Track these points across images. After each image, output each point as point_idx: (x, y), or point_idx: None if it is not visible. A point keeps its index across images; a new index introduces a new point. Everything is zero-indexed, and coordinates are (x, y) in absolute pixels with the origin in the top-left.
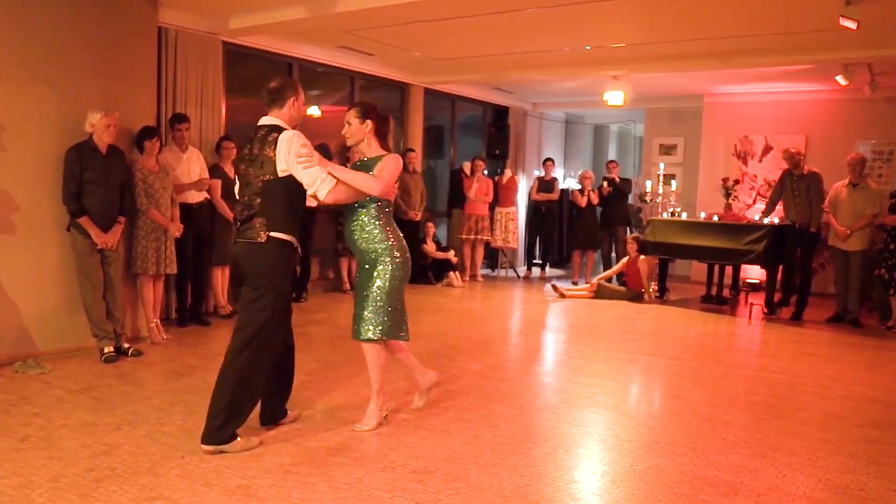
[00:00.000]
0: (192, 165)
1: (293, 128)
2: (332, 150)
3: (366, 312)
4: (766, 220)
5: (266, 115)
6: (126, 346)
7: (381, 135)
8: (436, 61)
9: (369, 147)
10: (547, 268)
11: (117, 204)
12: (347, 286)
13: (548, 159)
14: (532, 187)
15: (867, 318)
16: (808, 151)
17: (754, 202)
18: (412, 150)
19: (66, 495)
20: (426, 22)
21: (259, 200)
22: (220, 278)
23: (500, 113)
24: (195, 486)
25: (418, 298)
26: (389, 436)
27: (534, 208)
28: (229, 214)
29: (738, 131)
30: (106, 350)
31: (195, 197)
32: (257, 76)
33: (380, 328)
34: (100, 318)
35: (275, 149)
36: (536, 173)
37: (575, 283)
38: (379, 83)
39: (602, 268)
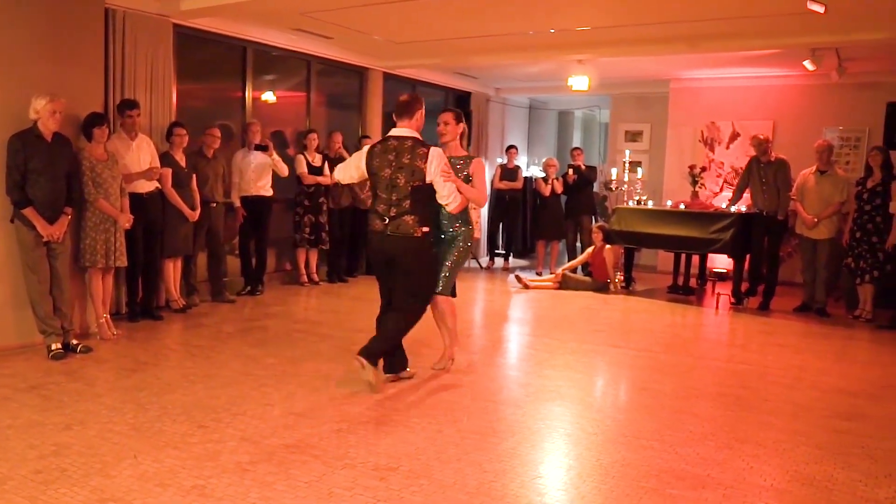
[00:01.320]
0: (141, 153)
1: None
2: (288, 137)
3: (442, 274)
4: (733, 209)
5: (396, 125)
6: (74, 342)
7: (464, 137)
8: (396, 45)
9: (456, 147)
10: (510, 258)
11: (64, 194)
12: (305, 278)
13: (511, 146)
14: (495, 175)
15: (834, 308)
16: (775, 138)
17: (721, 190)
18: (369, 138)
19: (13, 499)
20: (386, 4)
21: (409, 202)
22: (172, 271)
23: (462, 98)
24: (149, 486)
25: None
26: (350, 432)
27: (497, 197)
28: (181, 204)
29: (704, 117)
30: (53, 347)
31: (145, 186)
32: (210, 60)
33: (448, 286)
34: (46, 314)
35: (426, 162)
36: (499, 161)
37: (539, 274)
38: (337, 67)
39: (567, 258)
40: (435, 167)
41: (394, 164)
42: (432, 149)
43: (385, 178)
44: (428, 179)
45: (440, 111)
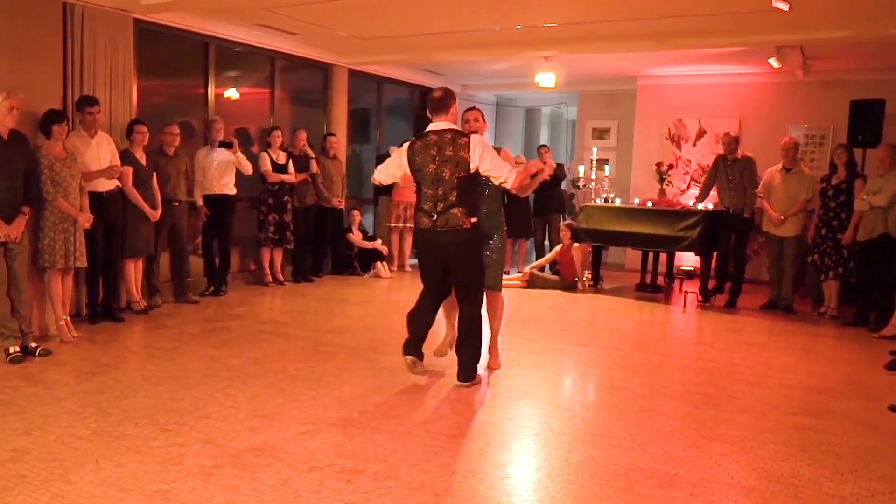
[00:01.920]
0: (101, 151)
1: None
2: (252, 134)
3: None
4: (700, 206)
5: (433, 121)
6: (33, 345)
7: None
8: (361, 41)
9: None
10: None
11: (21, 193)
12: (269, 278)
13: None
14: None
15: (800, 305)
16: (742, 135)
17: (688, 187)
18: (332, 135)
19: None
20: None
21: (455, 194)
22: (134, 271)
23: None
24: (111, 492)
25: (344, 290)
26: (316, 434)
27: None
28: (142, 203)
29: (671, 115)
30: (11, 350)
31: (105, 185)
32: (171, 56)
33: (500, 282)
34: (4, 316)
35: (468, 151)
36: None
37: (507, 273)
38: (301, 64)
39: (535, 256)
40: (480, 153)
41: (437, 158)
42: (472, 136)
43: (430, 173)
44: (473, 168)
45: (467, 109)
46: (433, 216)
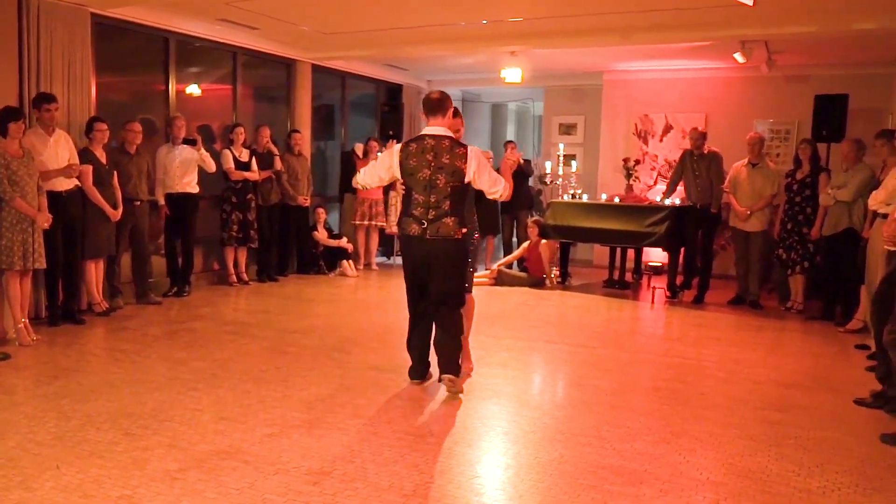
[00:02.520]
0: (59, 149)
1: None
2: (215, 131)
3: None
4: (667, 202)
5: (428, 123)
6: None
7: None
8: (325, 36)
9: None
10: None
11: None
12: (234, 278)
13: None
14: None
15: (767, 300)
16: (708, 130)
17: (655, 183)
18: (297, 132)
19: None
20: None
21: (448, 203)
22: (94, 272)
23: (394, 91)
24: (73, 498)
25: (310, 289)
26: (282, 436)
27: None
28: (102, 202)
29: (638, 110)
30: None
31: (64, 184)
32: (130, 52)
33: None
34: None
35: (465, 163)
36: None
37: (473, 270)
38: (263, 59)
39: (503, 253)
40: (476, 168)
41: (433, 164)
42: (470, 148)
43: (423, 179)
44: (467, 179)
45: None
46: (423, 223)
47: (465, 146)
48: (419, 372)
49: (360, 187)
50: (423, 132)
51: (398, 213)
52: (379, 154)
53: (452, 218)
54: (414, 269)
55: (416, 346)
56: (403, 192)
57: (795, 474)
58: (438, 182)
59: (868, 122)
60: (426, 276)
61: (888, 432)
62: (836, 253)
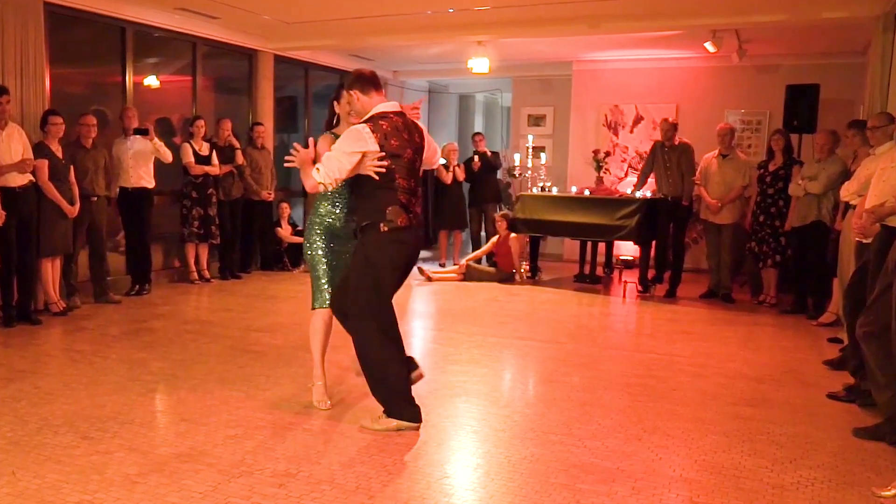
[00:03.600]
0: (12, 144)
1: None
2: (174, 124)
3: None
4: (638, 194)
5: (372, 99)
6: None
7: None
8: (287, 25)
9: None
10: None
11: None
12: (195, 275)
13: None
14: None
15: (740, 293)
16: (679, 121)
17: (626, 175)
18: (260, 125)
19: None
20: None
21: (421, 189)
22: (51, 271)
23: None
24: None
25: (274, 286)
26: (246, 438)
27: None
28: (58, 198)
29: (608, 100)
30: None
31: (18, 179)
32: (86, 42)
33: None
34: None
35: (424, 140)
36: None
37: (442, 265)
38: (224, 50)
39: (471, 248)
40: (431, 147)
41: (410, 143)
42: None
43: (408, 160)
44: (427, 161)
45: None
46: (410, 213)
47: (417, 122)
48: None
49: (325, 189)
50: (381, 109)
51: (318, 216)
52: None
53: (422, 207)
54: (401, 271)
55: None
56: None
57: (768, 470)
58: (416, 164)
59: (839, 112)
60: (405, 275)
61: (861, 426)
62: (804, 245)
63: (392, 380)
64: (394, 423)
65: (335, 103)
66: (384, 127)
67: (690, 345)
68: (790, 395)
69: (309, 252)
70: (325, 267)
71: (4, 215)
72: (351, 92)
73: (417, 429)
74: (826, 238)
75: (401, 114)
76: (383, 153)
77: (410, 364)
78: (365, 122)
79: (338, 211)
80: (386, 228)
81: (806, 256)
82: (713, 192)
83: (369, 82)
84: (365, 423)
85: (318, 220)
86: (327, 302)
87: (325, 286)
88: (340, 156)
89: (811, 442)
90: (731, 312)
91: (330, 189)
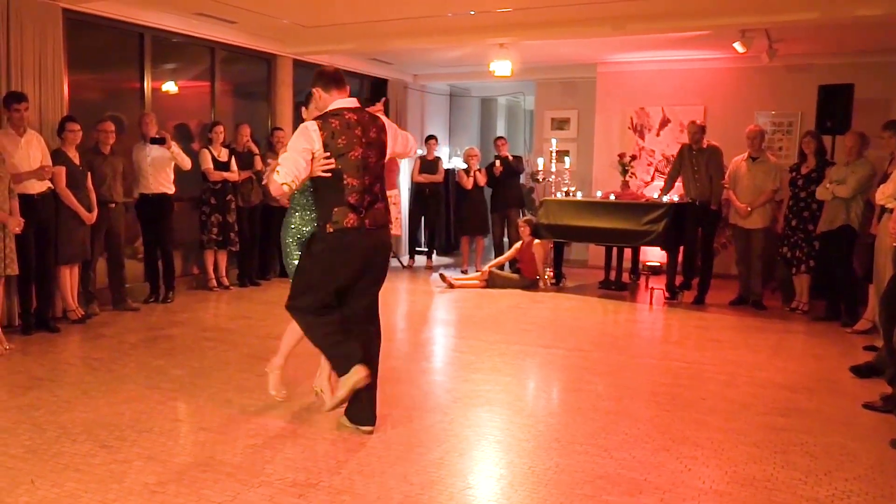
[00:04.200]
0: (31, 151)
1: None
2: (192, 130)
3: None
4: (665, 199)
5: (332, 96)
6: None
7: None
8: (306, 29)
9: None
10: (433, 256)
11: None
12: (213, 283)
13: (430, 137)
14: (414, 168)
15: (770, 300)
16: (707, 123)
17: (653, 179)
18: (280, 130)
19: None
20: None
21: (378, 185)
22: (69, 278)
23: (379, 86)
24: None
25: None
26: (265, 447)
27: (417, 191)
28: (76, 205)
29: (633, 103)
30: None
31: (36, 187)
32: (104, 48)
33: None
34: None
35: (386, 134)
36: (419, 152)
37: (464, 272)
38: (242, 55)
39: (494, 254)
40: (401, 139)
41: (363, 140)
42: (385, 118)
43: (356, 158)
44: (389, 153)
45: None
46: (360, 212)
47: (379, 117)
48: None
49: (290, 189)
50: (336, 106)
51: (291, 230)
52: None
53: (383, 203)
54: (350, 271)
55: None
56: (310, 180)
57: (802, 482)
58: (370, 160)
59: (874, 113)
60: (355, 278)
61: None
62: (830, 250)
63: (343, 347)
64: (350, 381)
65: (303, 109)
66: (333, 125)
67: (720, 353)
68: (824, 404)
69: (290, 265)
70: None
71: (23, 223)
72: (313, 89)
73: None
74: (853, 243)
75: (357, 110)
76: (328, 153)
77: (368, 416)
78: (316, 119)
79: (306, 220)
80: (331, 230)
81: (831, 262)
82: (742, 196)
83: (331, 79)
84: (327, 403)
85: (290, 234)
86: None
87: None
88: (294, 154)
89: (847, 453)
90: (761, 319)
91: (294, 187)
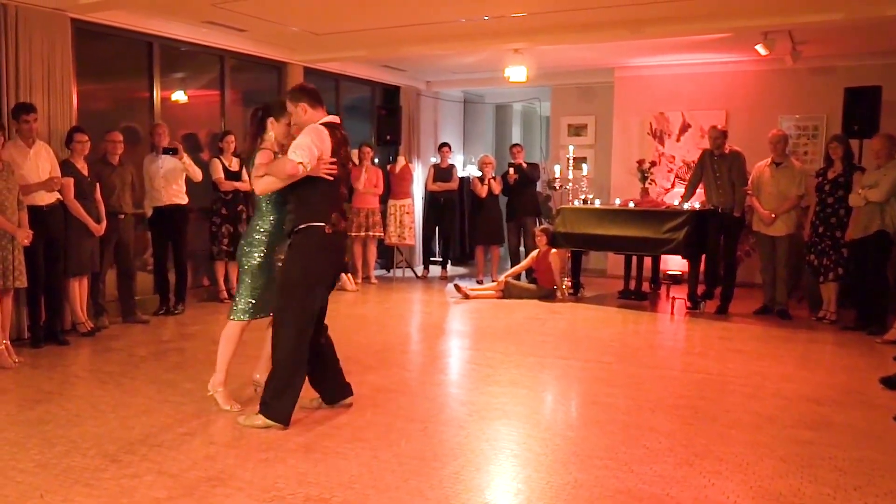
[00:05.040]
0: (40, 162)
1: None
2: (202, 140)
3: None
4: (686, 206)
5: (316, 112)
6: None
7: None
8: (316, 37)
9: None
10: (448, 266)
11: None
12: (224, 294)
13: (444, 144)
14: (428, 176)
15: (796, 309)
16: (729, 128)
17: (673, 186)
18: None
19: None
20: None
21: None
22: (78, 290)
23: (391, 93)
24: None
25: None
26: (277, 461)
27: (431, 200)
28: (84, 216)
29: (652, 108)
30: None
31: (45, 198)
32: (113, 58)
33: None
34: None
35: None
36: (433, 160)
37: (480, 282)
38: (252, 63)
39: (510, 264)
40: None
41: (347, 157)
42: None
43: (346, 172)
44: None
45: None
46: (345, 218)
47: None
48: (330, 393)
49: (301, 170)
50: (329, 121)
51: (398, 223)
52: (374, 161)
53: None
54: (333, 269)
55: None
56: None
57: (831, 497)
58: (343, 175)
59: None
60: (333, 276)
61: None
62: (865, 258)
63: (292, 395)
64: (261, 420)
65: (270, 121)
66: (338, 136)
67: (744, 364)
68: (853, 417)
69: (246, 266)
70: (260, 281)
71: (32, 234)
72: (298, 105)
73: (283, 428)
74: (889, 250)
75: (339, 126)
76: (335, 158)
77: (346, 390)
78: (324, 125)
79: (274, 222)
80: (330, 231)
81: (865, 269)
82: (766, 203)
83: (316, 97)
84: (240, 419)
85: (257, 236)
86: (248, 315)
87: (251, 300)
88: (311, 145)
89: (877, 468)
90: (787, 329)
91: (305, 172)
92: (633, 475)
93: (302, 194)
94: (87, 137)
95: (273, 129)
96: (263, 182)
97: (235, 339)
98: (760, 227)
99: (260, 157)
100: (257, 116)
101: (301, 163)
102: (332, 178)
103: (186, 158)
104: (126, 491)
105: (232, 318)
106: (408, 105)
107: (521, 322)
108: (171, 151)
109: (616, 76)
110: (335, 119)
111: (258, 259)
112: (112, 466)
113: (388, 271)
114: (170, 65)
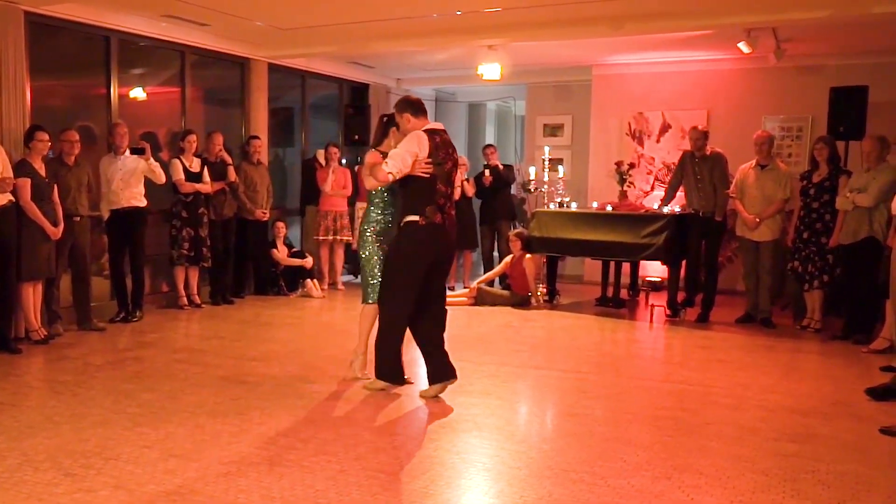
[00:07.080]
0: None
1: None
2: (162, 139)
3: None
4: (665, 209)
5: (420, 121)
6: None
7: None
8: (281, 31)
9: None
10: None
11: None
12: (184, 301)
13: None
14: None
15: (780, 317)
16: (710, 129)
17: (652, 188)
18: (256, 138)
19: None
20: None
21: (452, 194)
22: (32, 296)
23: (359, 91)
24: None
25: (268, 312)
26: (239, 475)
27: None
28: (41, 219)
29: (631, 108)
30: None
31: None
32: (68, 53)
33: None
34: None
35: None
36: None
37: (451, 289)
38: (214, 58)
39: (483, 269)
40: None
41: (452, 156)
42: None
43: (447, 170)
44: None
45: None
46: (444, 213)
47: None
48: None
49: (391, 178)
50: (432, 127)
51: (371, 223)
52: (342, 161)
53: (453, 210)
54: (426, 263)
55: (399, 350)
56: (398, 180)
57: None
58: (453, 175)
59: (891, 116)
60: (433, 264)
61: None
62: (854, 264)
63: (391, 354)
64: (379, 383)
65: (392, 129)
66: (437, 140)
67: (726, 374)
68: (838, 429)
69: (364, 255)
70: (377, 269)
71: None
72: (403, 115)
73: (392, 387)
74: (878, 256)
75: (444, 132)
76: (430, 159)
77: (449, 371)
78: (425, 131)
79: (387, 214)
80: (423, 223)
81: (854, 277)
82: (750, 207)
83: (419, 107)
84: (366, 384)
85: (369, 226)
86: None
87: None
88: (404, 154)
89: (863, 482)
90: (771, 339)
91: (395, 179)
92: (610, 489)
93: (406, 191)
94: (48, 136)
95: (393, 138)
96: (369, 181)
97: (372, 318)
98: (744, 231)
99: (369, 157)
100: (382, 122)
101: (391, 172)
102: (428, 177)
103: (153, 160)
104: None
105: (370, 301)
106: (377, 103)
107: (494, 330)
108: (139, 151)
109: (594, 74)
110: (437, 125)
111: (369, 251)
112: (66, 481)
113: (356, 277)
114: (128, 60)
